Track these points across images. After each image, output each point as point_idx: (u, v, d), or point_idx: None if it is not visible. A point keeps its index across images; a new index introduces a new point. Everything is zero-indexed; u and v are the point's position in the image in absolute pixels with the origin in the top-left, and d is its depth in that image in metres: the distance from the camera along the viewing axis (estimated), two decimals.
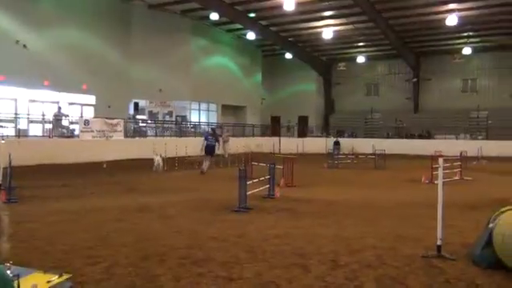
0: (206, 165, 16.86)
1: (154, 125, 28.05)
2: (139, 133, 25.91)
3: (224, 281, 4.41)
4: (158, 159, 18.05)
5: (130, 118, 26.67)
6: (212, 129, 21.03)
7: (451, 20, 27.37)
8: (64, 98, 24.41)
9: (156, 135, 26.29)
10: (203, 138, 17.79)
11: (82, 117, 23.44)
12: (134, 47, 28.12)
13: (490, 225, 4.93)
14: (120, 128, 22.51)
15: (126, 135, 23.30)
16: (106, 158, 18.98)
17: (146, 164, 18.38)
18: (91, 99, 25.98)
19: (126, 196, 10.85)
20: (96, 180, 14.21)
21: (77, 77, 24.37)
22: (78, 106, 25.64)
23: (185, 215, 8.07)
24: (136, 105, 29.01)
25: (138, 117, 29.01)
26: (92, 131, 21.10)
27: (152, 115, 30.24)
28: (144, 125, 27.98)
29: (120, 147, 21.53)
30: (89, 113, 25.62)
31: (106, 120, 22.04)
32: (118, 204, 9.17)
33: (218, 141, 17.48)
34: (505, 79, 35.18)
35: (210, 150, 17.01)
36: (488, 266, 4.74)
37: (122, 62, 27.71)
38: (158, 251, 5.45)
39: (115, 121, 22.38)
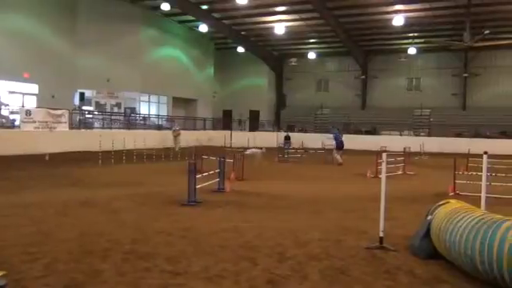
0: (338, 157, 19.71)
1: (101, 116, 27.15)
2: (85, 124, 25.00)
3: (170, 275, 4.35)
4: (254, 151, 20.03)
5: (75, 109, 25.66)
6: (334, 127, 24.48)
7: (398, 20, 28.43)
8: (3, 87, 23.12)
9: (103, 127, 25.48)
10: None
11: (23, 106, 22.31)
12: (81, 35, 27.05)
13: (429, 217, 5.17)
14: (64, 119, 21.62)
15: (70, 127, 22.42)
16: (49, 150, 18.19)
17: (91, 157, 17.76)
18: (34, 88, 24.78)
19: (70, 190, 10.45)
20: (38, 173, 13.59)
21: (18, 64, 23.15)
22: (20, 95, 24.38)
23: (131, 209, 7.88)
24: (82, 95, 27.96)
25: (84, 108, 27.99)
26: (34, 122, 20.14)
27: (99, 106, 29.25)
28: (90, 116, 27.02)
29: (64, 139, 20.71)
30: (31, 103, 24.42)
31: (50, 110, 21.09)
32: (61, 198, 8.81)
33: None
34: (446, 79, 37.02)
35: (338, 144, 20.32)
36: (426, 256, 4.98)
37: (68, 50, 26.59)
38: (102, 246, 5.29)
39: (59, 111, 21.46)
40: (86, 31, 27.08)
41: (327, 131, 22.54)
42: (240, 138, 30.71)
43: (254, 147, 20.97)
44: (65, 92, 25.77)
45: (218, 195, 9.83)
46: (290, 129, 35.67)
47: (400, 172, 15.83)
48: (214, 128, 36.20)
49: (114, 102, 29.49)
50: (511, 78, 35.28)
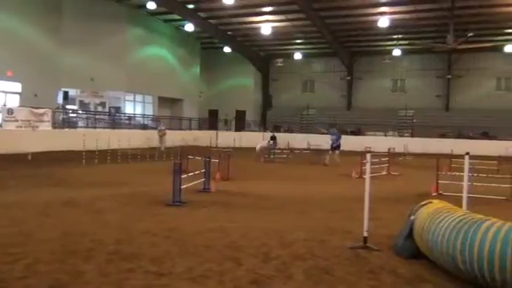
0: (327, 158, 19.43)
1: (85, 115, 26.85)
2: (69, 124, 24.69)
3: (154, 276, 4.32)
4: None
5: (58, 108, 25.33)
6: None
7: (383, 22, 28.71)
8: None
9: (87, 126, 25.20)
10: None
11: (5, 105, 21.95)
12: (65, 34, 26.69)
13: (412, 217, 5.23)
14: (47, 118, 21.32)
15: (54, 126, 22.12)
16: (31, 149, 17.91)
17: (75, 156, 17.54)
18: (16, 87, 24.38)
19: (53, 190, 10.30)
20: (20, 172, 13.37)
21: (0, 62, 22.73)
22: (2, 94, 23.97)
23: (115, 209, 7.81)
24: (65, 94, 27.60)
25: (68, 107, 27.64)
26: (16, 121, 19.82)
27: (83, 105, 28.93)
28: (74, 115, 26.70)
29: (47, 138, 20.41)
30: (13, 101, 24.03)
31: (33, 109, 20.78)
32: (43, 198, 8.69)
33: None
34: (430, 80, 37.50)
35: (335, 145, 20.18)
36: (409, 255, 5.03)
37: (52, 48, 26.22)
38: (86, 247, 5.23)
39: (42, 110, 21.16)
40: (71, 30, 26.74)
41: (328, 132, 22.30)
42: (226, 138, 30.68)
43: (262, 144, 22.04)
44: (48, 91, 25.41)
45: (203, 195, 9.81)
46: (276, 129, 35.69)
47: (384, 172, 15.98)
48: (200, 128, 36.08)
49: (98, 101, 29.19)
50: (493, 80, 35.95)
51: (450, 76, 36.30)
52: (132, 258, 4.82)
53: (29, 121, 20.22)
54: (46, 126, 21.10)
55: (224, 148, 22.60)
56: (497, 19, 28.78)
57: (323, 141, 25.06)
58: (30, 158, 17.11)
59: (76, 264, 4.61)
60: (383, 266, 4.77)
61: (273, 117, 40.47)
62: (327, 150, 20.46)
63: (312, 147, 22.58)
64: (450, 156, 16.60)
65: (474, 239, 3.99)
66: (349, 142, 30.52)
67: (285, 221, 7.26)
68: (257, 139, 31.96)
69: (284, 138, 31.75)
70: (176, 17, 31.04)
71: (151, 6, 27.10)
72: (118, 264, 4.64)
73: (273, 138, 30.04)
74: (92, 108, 28.80)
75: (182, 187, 8.69)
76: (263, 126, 38.79)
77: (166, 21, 32.71)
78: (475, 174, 10.21)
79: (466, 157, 6.54)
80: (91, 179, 12.59)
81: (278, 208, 8.59)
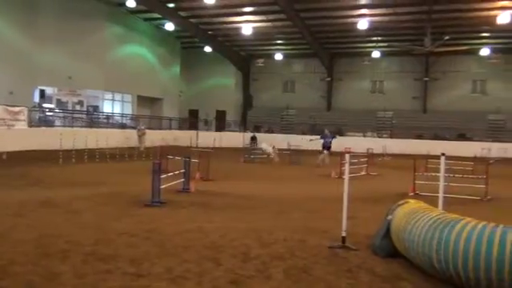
0: (319, 159, 19.51)
1: (62, 114, 26.36)
2: (45, 122, 24.21)
3: (132, 277, 4.27)
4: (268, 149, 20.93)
5: (35, 107, 24.81)
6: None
7: (362, 24, 29.04)
8: None
9: (64, 125, 24.74)
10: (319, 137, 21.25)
11: None
12: (42, 30, 26.09)
13: (389, 217, 5.30)
14: (23, 116, 20.86)
15: (30, 124, 21.65)
16: (6, 148, 17.49)
17: (52, 156, 17.21)
18: None
19: (29, 190, 10.10)
20: None
21: None
22: None
23: (93, 210, 7.69)
24: (42, 92, 27.04)
25: (45, 105, 27.10)
26: None
27: (60, 104, 28.40)
28: (51, 114, 26.19)
29: (23, 137, 19.94)
30: None
31: (8, 107, 20.29)
32: (18, 198, 8.50)
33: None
34: (408, 82, 38.05)
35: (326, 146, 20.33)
36: (387, 255, 5.10)
37: (28, 45, 25.60)
38: (61, 248, 5.14)
39: (18, 108, 20.68)
40: (48, 27, 26.16)
41: (321, 136, 22.18)
42: (206, 138, 30.51)
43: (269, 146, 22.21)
44: (24, 89, 24.81)
45: (182, 195, 9.75)
46: (257, 129, 35.72)
47: (363, 173, 16.17)
48: (180, 128, 35.80)
49: (76, 99, 28.71)
50: (469, 82, 36.70)
51: (427, 78, 36.91)
52: (109, 259, 4.76)
53: (4, 119, 19.73)
54: (21, 125, 20.64)
55: (204, 148, 22.50)
56: (472, 23, 29.41)
57: (303, 141, 25.16)
58: (5, 157, 16.73)
59: (51, 265, 4.53)
60: (361, 265, 4.83)
61: (253, 117, 40.44)
62: (319, 151, 20.51)
63: (292, 147, 22.65)
64: (427, 157, 16.87)
65: (449, 239, 4.07)
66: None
67: (264, 221, 7.27)
68: (237, 139, 32.04)
69: (264, 139, 31.80)
70: (156, 15, 30.75)
71: (131, 3, 26.76)
72: (94, 265, 4.58)
73: (253, 139, 30.13)
74: (70, 107, 28.31)
75: (162, 187, 8.62)
76: (244, 126, 38.74)
77: (145, 19, 32.38)
78: (451, 175, 10.41)
79: (442, 157, 6.64)
80: (68, 179, 12.38)
81: (257, 208, 8.60)
